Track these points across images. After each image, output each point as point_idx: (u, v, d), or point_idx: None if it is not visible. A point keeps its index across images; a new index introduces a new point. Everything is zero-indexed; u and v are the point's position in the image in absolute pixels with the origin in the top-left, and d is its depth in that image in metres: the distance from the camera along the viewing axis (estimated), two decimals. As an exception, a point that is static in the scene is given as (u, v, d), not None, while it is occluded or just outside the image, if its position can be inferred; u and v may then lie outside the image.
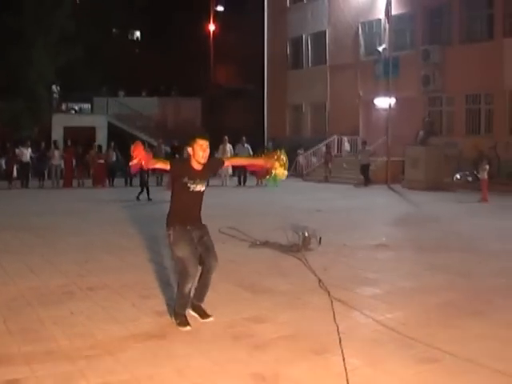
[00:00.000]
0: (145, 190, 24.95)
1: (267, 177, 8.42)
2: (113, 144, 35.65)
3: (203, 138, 7.79)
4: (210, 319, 7.93)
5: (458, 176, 31.04)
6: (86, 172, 34.00)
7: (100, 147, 35.00)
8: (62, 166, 32.93)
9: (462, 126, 33.67)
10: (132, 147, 7.37)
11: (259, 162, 8.67)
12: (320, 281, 10.05)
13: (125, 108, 49.02)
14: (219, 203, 21.96)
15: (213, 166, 8.21)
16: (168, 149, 34.61)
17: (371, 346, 7.13)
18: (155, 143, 36.87)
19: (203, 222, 8.11)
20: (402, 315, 8.45)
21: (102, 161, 33.19)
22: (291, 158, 39.62)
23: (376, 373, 6.33)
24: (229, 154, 31.10)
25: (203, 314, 7.98)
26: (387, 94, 32.68)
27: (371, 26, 38.82)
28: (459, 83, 32.74)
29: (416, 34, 35.84)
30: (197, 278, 7.80)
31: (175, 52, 58.64)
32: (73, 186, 32.19)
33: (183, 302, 7.82)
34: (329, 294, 9.17)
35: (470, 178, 29.84)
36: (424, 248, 13.78)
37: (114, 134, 43.83)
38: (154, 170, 22.13)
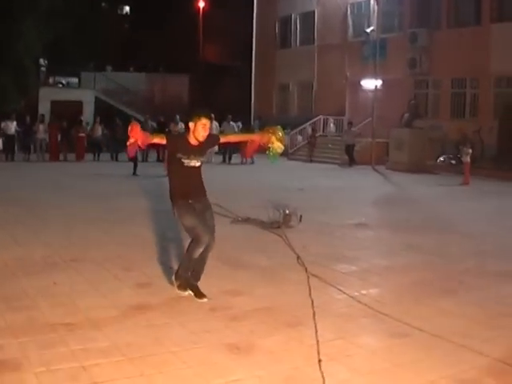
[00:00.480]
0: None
1: (266, 152, 8.41)
2: (99, 119, 35.68)
3: (207, 117, 7.80)
4: (205, 300, 7.90)
5: (442, 159, 31.32)
6: (71, 146, 33.96)
7: (81, 121, 34.94)
8: (47, 139, 32.87)
9: (447, 109, 33.91)
10: (129, 128, 7.47)
11: (255, 137, 8.77)
12: (298, 257, 10.30)
13: (112, 83, 49.01)
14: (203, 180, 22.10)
15: (209, 142, 8.17)
16: (155, 124, 34.61)
17: (344, 321, 7.39)
18: (142, 118, 36.92)
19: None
20: (376, 292, 8.72)
21: (82, 134, 33.19)
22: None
23: (347, 345, 6.58)
24: (214, 132, 31.17)
25: (199, 294, 7.98)
26: (374, 75, 32.81)
27: (360, 8, 38.94)
28: (445, 67, 32.95)
29: (404, 17, 35.97)
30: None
31: (164, 28, 58.50)
32: (59, 160, 32.20)
33: (188, 266, 7.96)
34: (306, 270, 9.42)
35: (453, 161, 30.10)
36: (402, 228, 14.06)
37: (101, 108, 43.86)
38: (153, 146, 22.23)
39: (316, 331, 6.75)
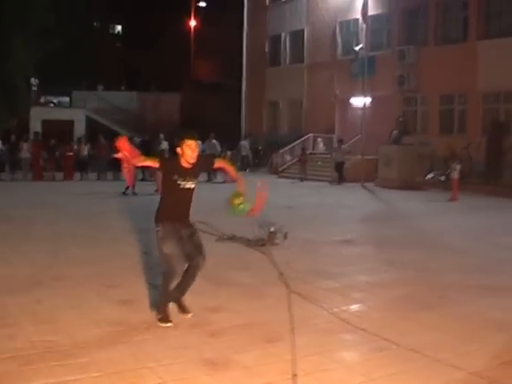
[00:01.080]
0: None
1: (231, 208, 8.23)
2: (84, 138, 35.67)
3: (191, 138, 7.73)
4: (189, 315, 7.95)
5: (431, 175, 31.45)
6: (58, 165, 33.81)
7: (68, 140, 34.76)
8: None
9: (436, 125, 34.14)
10: (117, 141, 7.44)
11: (234, 175, 8.51)
12: (281, 274, 10.36)
13: (103, 102, 49.19)
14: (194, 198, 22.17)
15: (203, 164, 8.15)
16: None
17: (322, 336, 7.47)
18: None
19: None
20: (356, 308, 8.82)
21: (70, 153, 32.91)
22: (268, 154, 40.05)
23: (323, 360, 6.66)
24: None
25: (182, 308, 8.03)
26: (363, 93, 33.00)
27: (349, 26, 39.22)
28: (434, 83, 33.16)
29: (392, 35, 36.28)
30: (181, 273, 7.85)
31: (156, 47, 58.81)
32: (43, 179, 31.73)
33: (166, 299, 7.88)
34: (287, 287, 9.49)
35: (442, 178, 30.21)
36: (388, 244, 14.15)
37: (93, 127, 43.94)
38: (144, 168, 22.11)
39: (293, 346, 6.81)
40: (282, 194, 25.83)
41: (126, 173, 7.49)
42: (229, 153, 36.99)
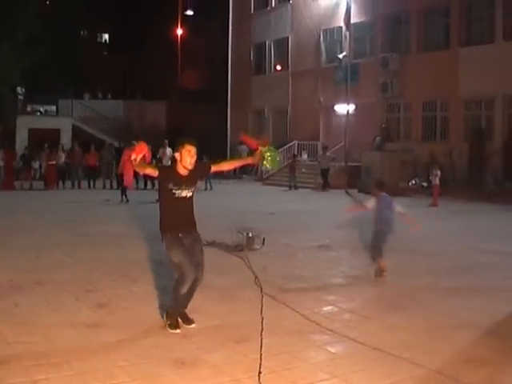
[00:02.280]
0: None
1: (263, 162, 8.36)
2: (62, 146, 35.74)
3: (191, 143, 7.72)
4: (193, 326, 7.92)
5: (413, 181, 31.75)
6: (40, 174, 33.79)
7: (48, 148, 34.30)
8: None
9: (419, 132, 34.47)
10: (137, 144, 7.72)
11: (248, 160, 8.88)
12: (256, 278, 10.61)
13: (90, 111, 49.22)
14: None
15: (200, 171, 8.08)
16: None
17: (291, 336, 7.71)
18: (117, 145, 37.39)
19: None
20: (327, 310, 9.05)
21: (52, 162, 32.69)
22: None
23: (290, 359, 6.89)
24: (168, 157, 31.58)
25: (186, 320, 7.96)
26: (346, 100, 33.28)
27: (332, 34, 39.51)
28: (416, 90, 33.52)
29: (375, 42, 36.59)
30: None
31: (142, 55, 59.03)
32: (14, 189, 31.18)
33: (177, 305, 7.90)
34: (261, 290, 9.73)
35: (424, 184, 30.51)
36: (364, 248, 14.28)
37: (79, 136, 43.99)
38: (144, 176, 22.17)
39: (261, 346, 7.04)
40: (266, 201, 26.10)
41: (127, 171, 7.59)
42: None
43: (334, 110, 38.23)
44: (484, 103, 31.79)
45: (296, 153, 38.16)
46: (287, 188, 33.47)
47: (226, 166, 9.32)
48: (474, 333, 8.00)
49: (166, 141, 33.23)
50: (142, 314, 8.47)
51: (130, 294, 9.65)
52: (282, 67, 43.94)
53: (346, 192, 30.38)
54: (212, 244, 14.15)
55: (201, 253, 7.97)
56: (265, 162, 8.34)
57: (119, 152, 33.13)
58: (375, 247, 11.66)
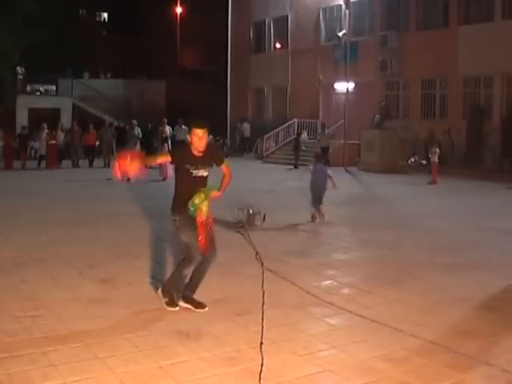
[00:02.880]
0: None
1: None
2: (61, 125, 35.79)
3: (199, 126, 7.63)
4: (206, 309, 7.80)
5: (413, 159, 31.92)
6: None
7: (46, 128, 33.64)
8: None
9: (418, 110, 34.54)
10: (115, 163, 7.35)
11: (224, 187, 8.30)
12: (257, 253, 10.79)
13: (90, 90, 49.19)
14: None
15: (214, 156, 8.01)
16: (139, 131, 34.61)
17: (291, 309, 7.95)
18: (116, 123, 37.62)
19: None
20: (327, 284, 9.28)
21: (53, 141, 32.38)
22: (253, 140, 40.36)
23: (290, 331, 7.13)
24: (168, 135, 32.28)
25: (197, 305, 7.83)
26: (346, 78, 33.37)
27: (332, 12, 39.49)
28: (415, 69, 33.56)
29: (374, 20, 36.56)
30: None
31: (142, 34, 59.01)
32: (13, 168, 30.91)
33: (176, 283, 7.81)
34: (262, 265, 9.92)
35: (423, 161, 30.67)
36: (363, 225, 14.65)
37: (79, 115, 44.09)
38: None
39: (262, 318, 7.25)
40: (266, 178, 26.28)
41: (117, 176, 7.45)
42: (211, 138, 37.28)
43: (334, 88, 38.27)
44: (483, 81, 31.84)
45: (299, 131, 38.11)
46: (292, 167, 33.48)
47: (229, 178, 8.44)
48: (469, 307, 8.23)
49: (165, 119, 33.46)
50: (146, 289, 8.68)
51: (133, 269, 9.86)
52: (281, 45, 43.94)
53: (346, 170, 30.53)
54: (213, 221, 14.33)
55: (212, 232, 7.97)
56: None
57: (119, 131, 33.36)
58: (315, 200, 15.29)
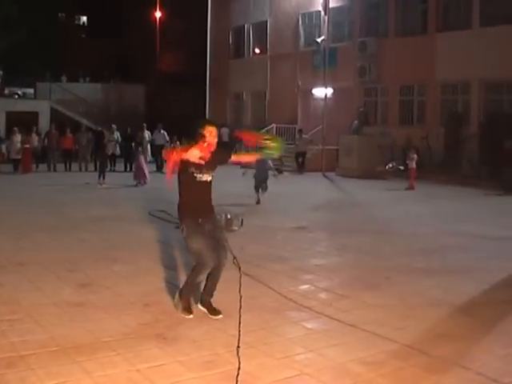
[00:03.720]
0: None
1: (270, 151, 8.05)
2: (36, 128, 35.63)
3: (212, 124, 7.59)
4: (220, 316, 7.72)
5: (390, 165, 32.02)
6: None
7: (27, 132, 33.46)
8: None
9: (396, 116, 34.69)
10: (165, 153, 7.41)
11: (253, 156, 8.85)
12: (234, 258, 10.82)
13: (68, 94, 49.05)
14: (152, 188, 22.68)
15: (220, 157, 7.82)
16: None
17: (269, 313, 8.00)
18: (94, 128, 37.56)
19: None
20: (304, 288, 9.34)
21: (27, 145, 31.88)
22: (232, 145, 40.33)
23: (267, 334, 7.18)
24: (147, 140, 32.34)
25: (213, 311, 7.78)
26: (324, 84, 33.48)
27: (311, 18, 39.60)
28: (394, 75, 33.71)
29: (353, 27, 36.71)
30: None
31: (121, 38, 58.92)
32: None
33: (191, 289, 7.79)
34: (239, 269, 9.95)
35: (401, 167, 30.81)
36: (341, 230, 14.71)
37: (57, 119, 43.89)
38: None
39: (239, 322, 7.28)
40: (244, 184, 26.24)
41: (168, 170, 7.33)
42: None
43: (312, 94, 38.40)
44: (460, 88, 32.01)
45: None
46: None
47: (246, 158, 9.48)
48: (445, 311, 8.32)
49: (144, 124, 33.43)
50: (124, 293, 8.70)
51: (111, 273, 9.89)
52: (260, 51, 44.04)
53: (324, 175, 30.62)
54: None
55: (222, 237, 7.95)
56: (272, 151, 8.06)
57: (96, 135, 33.25)
58: (257, 186, 19.50)
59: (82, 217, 16.19)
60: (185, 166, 7.43)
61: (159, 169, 31.02)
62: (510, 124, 28.27)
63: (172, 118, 42.97)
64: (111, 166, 31.04)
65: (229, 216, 14.00)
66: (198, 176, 7.48)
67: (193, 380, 5.88)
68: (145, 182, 24.84)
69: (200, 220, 7.60)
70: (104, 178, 25.08)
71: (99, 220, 15.63)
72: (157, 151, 31.34)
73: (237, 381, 5.83)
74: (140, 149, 28.33)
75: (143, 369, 6.07)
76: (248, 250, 11.84)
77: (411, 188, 24.74)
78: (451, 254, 12.21)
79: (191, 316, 7.65)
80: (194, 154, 7.24)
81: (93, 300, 8.38)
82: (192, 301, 7.85)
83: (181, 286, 8.15)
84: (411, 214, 18.00)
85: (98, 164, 27.79)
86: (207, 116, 46.25)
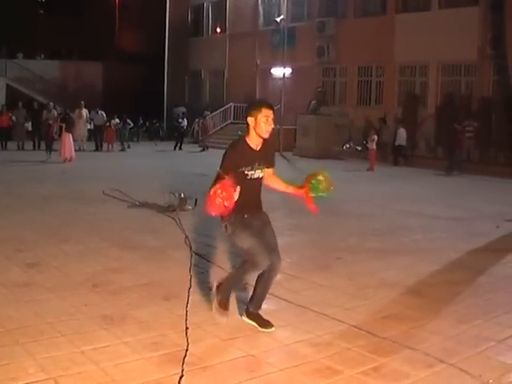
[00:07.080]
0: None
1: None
2: (4, 107, 35.20)
3: (269, 107, 6.47)
4: (272, 329, 6.70)
5: (348, 145, 32.19)
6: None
7: None
8: None
9: (354, 96, 34.85)
10: (219, 186, 6.04)
11: (298, 191, 7.18)
12: (186, 237, 10.81)
13: (24, 71, 48.37)
14: (107, 167, 22.53)
15: (271, 152, 6.88)
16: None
17: (218, 293, 7.93)
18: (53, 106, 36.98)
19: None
20: (254, 268, 9.27)
21: None
22: (190, 124, 40.17)
23: (215, 315, 7.11)
24: (85, 118, 32.00)
25: (263, 323, 6.77)
26: (283, 63, 33.44)
27: (270, -3, 39.58)
28: (352, 55, 33.81)
29: (312, 7, 36.69)
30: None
31: (79, 15, 58.17)
32: None
33: (234, 284, 6.88)
34: (190, 249, 9.94)
35: (358, 148, 30.95)
36: (293, 210, 14.57)
37: (14, 96, 43.31)
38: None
39: (187, 303, 7.25)
40: (200, 163, 26.21)
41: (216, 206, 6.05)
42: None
43: (271, 73, 38.33)
44: (418, 69, 32.21)
45: (232, 115, 38.26)
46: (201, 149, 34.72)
47: (278, 185, 7.27)
48: (396, 292, 8.33)
49: (83, 102, 32.86)
50: (72, 273, 8.59)
51: (60, 253, 9.76)
52: (220, 29, 43.85)
53: (281, 155, 30.58)
54: (144, 205, 14.32)
55: (273, 235, 6.88)
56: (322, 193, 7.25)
57: (35, 113, 32.80)
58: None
59: (32, 195, 15.98)
60: (234, 168, 6.36)
61: (98, 148, 31.18)
62: (464, 106, 28.56)
63: (130, 96, 42.69)
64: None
65: (183, 195, 14.04)
66: (250, 173, 6.46)
67: (138, 361, 5.81)
68: (70, 160, 24.89)
69: (246, 215, 6.56)
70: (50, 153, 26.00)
71: (51, 199, 15.44)
72: (96, 131, 32.75)
73: (183, 362, 5.77)
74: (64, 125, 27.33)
75: (87, 350, 5.98)
76: (200, 229, 11.82)
77: (371, 169, 24.88)
78: (404, 235, 12.29)
79: (226, 313, 6.65)
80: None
81: (40, 280, 8.26)
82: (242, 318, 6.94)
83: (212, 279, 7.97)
84: (367, 195, 18.10)
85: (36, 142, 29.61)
86: (165, 94, 46.14)
